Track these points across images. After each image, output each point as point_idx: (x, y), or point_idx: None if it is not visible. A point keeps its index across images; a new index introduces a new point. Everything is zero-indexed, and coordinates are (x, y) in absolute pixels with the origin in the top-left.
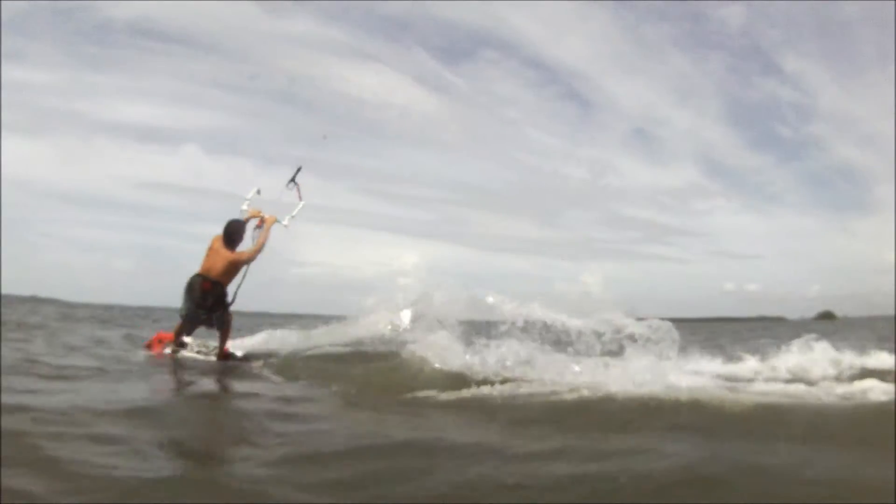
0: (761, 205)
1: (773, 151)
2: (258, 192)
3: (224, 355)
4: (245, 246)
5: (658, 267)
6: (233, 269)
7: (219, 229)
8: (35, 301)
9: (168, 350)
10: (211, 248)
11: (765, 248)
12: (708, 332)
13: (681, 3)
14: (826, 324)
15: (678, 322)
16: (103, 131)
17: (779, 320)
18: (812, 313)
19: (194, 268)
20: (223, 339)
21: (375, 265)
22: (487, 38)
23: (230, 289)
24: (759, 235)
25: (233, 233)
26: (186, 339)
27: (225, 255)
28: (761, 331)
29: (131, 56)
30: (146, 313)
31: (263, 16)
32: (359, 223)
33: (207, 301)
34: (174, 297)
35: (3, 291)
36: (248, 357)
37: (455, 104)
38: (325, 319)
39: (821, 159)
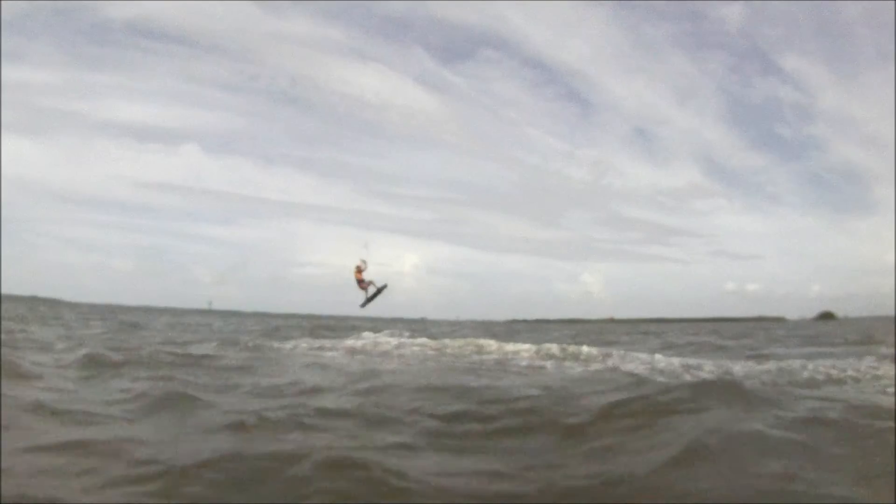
0: (762, 205)
1: (773, 151)
2: (366, 245)
3: (368, 299)
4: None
5: (658, 267)
6: (359, 280)
7: (219, 229)
8: (35, 301)
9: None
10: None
11: (765, 248)
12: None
13: (681, 3)
14: (825, 324)
15: (679, 322)
16: (103, 131)
17: (779, 320)
18: (812, 313)
19: (194, 267)
20: (368, 295)
21: (376, 265)
22: (487, 38)
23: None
24: (759, 235)
25: (359, 268)
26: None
27: (356, 275)
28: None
29: (131, 56)
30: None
31: (263, 16)
32: (359, 223)
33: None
34: (174, 297)
35: (4, 291)
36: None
37: (455, 104)
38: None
39: (821, 159)
